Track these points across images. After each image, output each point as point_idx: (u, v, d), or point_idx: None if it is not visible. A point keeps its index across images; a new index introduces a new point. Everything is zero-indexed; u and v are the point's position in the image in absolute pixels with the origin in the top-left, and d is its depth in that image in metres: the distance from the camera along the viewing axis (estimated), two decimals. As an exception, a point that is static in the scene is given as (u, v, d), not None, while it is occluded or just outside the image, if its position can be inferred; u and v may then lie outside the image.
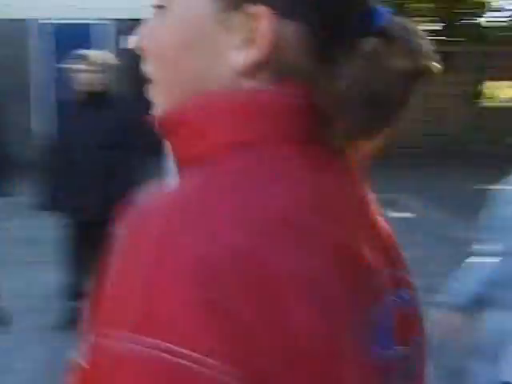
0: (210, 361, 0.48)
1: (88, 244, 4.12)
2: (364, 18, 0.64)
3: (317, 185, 0.62)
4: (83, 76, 3.98)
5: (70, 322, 4.20)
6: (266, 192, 0.57)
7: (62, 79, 10.11)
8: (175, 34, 0.65)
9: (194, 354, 0.48)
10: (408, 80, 0.62)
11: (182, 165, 0.66)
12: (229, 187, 0.57)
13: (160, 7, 0.66)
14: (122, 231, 0.57)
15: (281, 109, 0.62)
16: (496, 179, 2.71)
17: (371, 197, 0.72)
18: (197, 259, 0.51)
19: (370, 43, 0.62)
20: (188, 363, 0.48)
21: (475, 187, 8.40)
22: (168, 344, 0.48)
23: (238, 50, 0.62)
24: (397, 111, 0.63)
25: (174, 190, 0.59)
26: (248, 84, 0.63)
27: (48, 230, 5.10)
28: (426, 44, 0.64)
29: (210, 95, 0.64)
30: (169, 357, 0.48)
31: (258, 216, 0.55)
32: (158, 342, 0.49)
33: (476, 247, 2.13)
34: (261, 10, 0.60)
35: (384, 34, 0.63)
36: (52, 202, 4.15)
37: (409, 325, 0.69)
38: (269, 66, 0.62)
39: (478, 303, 2.05)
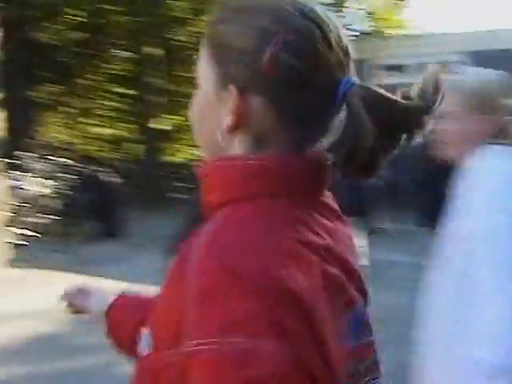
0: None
1: None
2: (328, 89, 0.86)
3: (305, 224, 0.85)
4: None
5: None
6: (273, 231, 0.81)
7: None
8: (198, 107, 0.94)
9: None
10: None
11: (206, 207, 0.91)
12: (246, 228, 0.81)
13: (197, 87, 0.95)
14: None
15: (262, 172, 0.86)
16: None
17: (347, 228, 0.99)
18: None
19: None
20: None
21: None
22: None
23: (226, 118, 0.87)
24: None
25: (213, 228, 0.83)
26: (235, 144, 0.88)
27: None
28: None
29: (215, 160, 0.90)
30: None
31: (271, 247, 0.79)
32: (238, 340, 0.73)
33: None
34: (232, 89, 0.86)
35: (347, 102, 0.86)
36: None
37: (368, 323, 0.95)
38: (244, 129, 0.87)
39: None
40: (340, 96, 0.86)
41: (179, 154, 16.75)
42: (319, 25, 0.86)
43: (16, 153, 9.59)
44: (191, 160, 15.27)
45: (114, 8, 13.93)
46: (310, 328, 0.76)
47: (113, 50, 14.50)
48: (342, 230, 0.95)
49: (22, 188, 9.29)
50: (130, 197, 11.62)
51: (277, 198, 0.85)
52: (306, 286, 0.78)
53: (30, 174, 9.55)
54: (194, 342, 0.74)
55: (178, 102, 14.30)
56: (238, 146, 0.89)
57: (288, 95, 0.86)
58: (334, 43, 0.86)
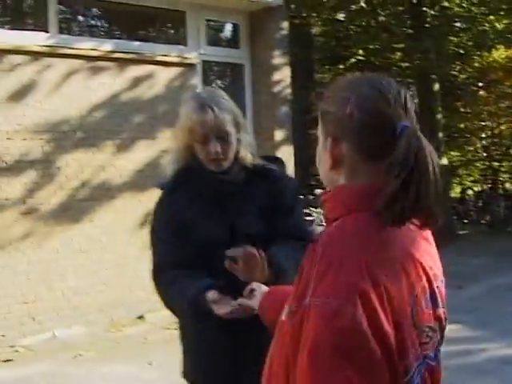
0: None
1: None
2: (392, 133, 1.26)
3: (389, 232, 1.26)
4: None
5: None
6: (364, 236, 1.24)
7: None
8: (318, 154, 1.41)
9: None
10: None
11: (327, 220, 1.36)
12: (350, 235, 1.25)
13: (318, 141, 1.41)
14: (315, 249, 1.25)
15: (355, 195, 1.30)
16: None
17: (422, 231, 1.35)
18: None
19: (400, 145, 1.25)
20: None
21: None
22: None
23: (328, 160, 1.36)
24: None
25: (333, 230, 1.28)
26: (338, 178, 1.35)
27: None
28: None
29: (332, 189, 1.37)
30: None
31: (361, 247, 1.22)
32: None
33: None
34: (329, 140, 1.34)
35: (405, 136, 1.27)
36: None
37: (442, 296, 1.36)
38: (341, 167, 1.33)
39: None
40: (398, 135, 1.25)
41: (455, 190, 17.13)
42: (382, 91, 1.30)
43: (307, 189, 10.19)
44: (466, 195, 17.11)
45: (395, 46, 14.38)
46: (384, 303, 1.15)
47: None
48: (417, 234, 1.33)
49: (315, 223, 9.64)
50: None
51: (367, 211, 1.24)
52: (385, 273, 1.18)
53: (319, 210, 9.73)
54: (308, 299, 1.18)
55: (455, 138, 15.26)
56: (339, 179, 1.34)
57: (362, 139, 1.29)
58: (392, 102, 1.29)
